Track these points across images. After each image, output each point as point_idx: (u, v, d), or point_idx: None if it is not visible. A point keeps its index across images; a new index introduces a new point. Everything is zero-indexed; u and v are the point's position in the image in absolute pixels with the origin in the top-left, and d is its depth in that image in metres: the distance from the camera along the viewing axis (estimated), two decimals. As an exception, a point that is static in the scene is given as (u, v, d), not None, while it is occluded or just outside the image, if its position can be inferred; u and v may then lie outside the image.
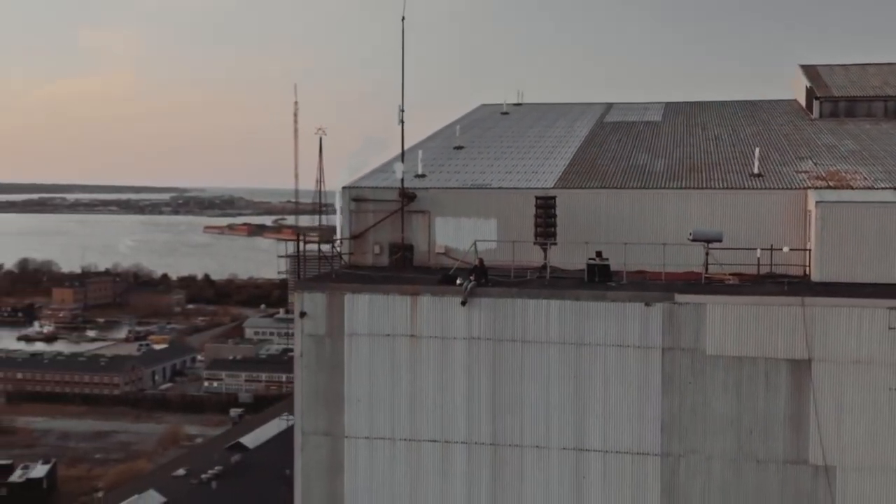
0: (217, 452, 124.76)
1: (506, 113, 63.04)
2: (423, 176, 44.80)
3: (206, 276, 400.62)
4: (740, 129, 54.55)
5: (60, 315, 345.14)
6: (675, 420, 34.88)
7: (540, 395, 35.89)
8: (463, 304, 36.04)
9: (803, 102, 61.02)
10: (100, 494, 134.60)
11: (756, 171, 42.73)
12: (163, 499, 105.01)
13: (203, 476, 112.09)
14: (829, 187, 40.06)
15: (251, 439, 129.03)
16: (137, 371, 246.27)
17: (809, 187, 40.10)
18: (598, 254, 37.60)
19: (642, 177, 43.73)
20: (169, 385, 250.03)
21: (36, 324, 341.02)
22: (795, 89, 64.62)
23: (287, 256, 38.10)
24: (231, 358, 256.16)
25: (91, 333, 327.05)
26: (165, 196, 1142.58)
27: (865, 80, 60.26)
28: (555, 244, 38.78)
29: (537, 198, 39.04)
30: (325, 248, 41.63)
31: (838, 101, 57.39)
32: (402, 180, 42.25)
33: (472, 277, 36.57)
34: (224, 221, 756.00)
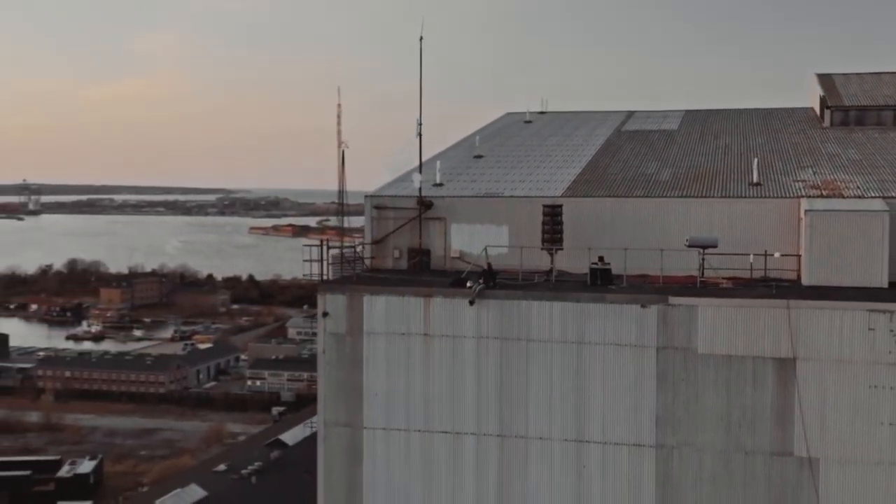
0: (257, 449, 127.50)
1: (529, 121, 65.40)
2: (440, 185, 47.49)
3: (251, 277, 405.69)
4: (751, 137, 56.56)
5: (108, 315, 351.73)
6: (668, 414, 37.40)
7: (543, 390, 38.59)
8: (471, 304, 38.76)
9: (818, 111, 62.77)
10: (145, 489, 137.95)
11: (755, 180, 44.95)
12: (204, 493, 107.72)
13: (243, 471, 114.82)
14: (821, 196, 42.23)
15: (290, 436, 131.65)
16: (182, 370, 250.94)
17: (803, 196, 42.29)
18: (601, 258, 40.11)
19: (647, 185, 46.11)
20: (213, 384, 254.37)
21: (84, 323, 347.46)
22: (813, 98, 66.39)
23: (311, 260, 40.84)
24: (274, 357, 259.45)
25: (137, 333, 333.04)
26: (212, 197, 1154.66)
27: (878, 90, 61.81)
28: (561, 249, 41.34)
29: (545, 206, 41.67)
30: (348, 252, 44.35)
31: (848, 110, 58.98)
32: (420, 189, 45.01)
33: (480, 280, 39.28)
34: (269, 222, 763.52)
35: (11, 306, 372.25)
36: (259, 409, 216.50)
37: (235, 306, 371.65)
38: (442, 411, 39.86)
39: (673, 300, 37.29)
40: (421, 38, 46.22)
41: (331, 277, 42.57)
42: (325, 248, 42.10)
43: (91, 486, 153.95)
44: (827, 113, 59.46)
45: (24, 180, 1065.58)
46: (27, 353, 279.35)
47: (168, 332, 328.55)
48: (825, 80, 64.59)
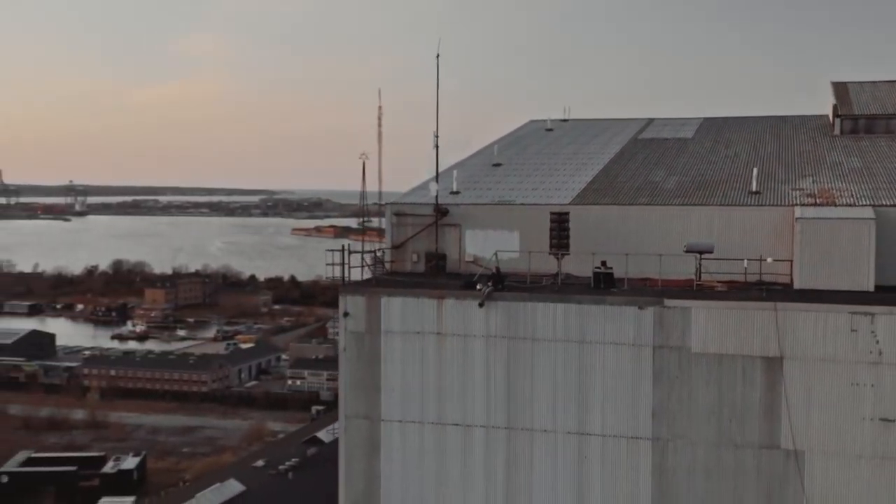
0: (294, 446, 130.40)
1: (550, 129, 67.83)
2: (457, 193, 50.25)
3: (293, 278, 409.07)
4: (761, 146, 58.65)
5: (152, 315, 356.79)
6: (664, 409, 40.05)
7: (547, 386, 41.44)
8: (480, 305, 41.56)
9: (831, 119, 64.50)
10: (186, 485, 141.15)
11: (754, 188, 47.27)
12: (243, 487, 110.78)
13: (280, 467, 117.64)
14: (815, 204, 44.50)
15: (327, 434, 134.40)
16: (224, 369, 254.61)
17: (797, 204, 44.57)
18: (604, 263, 42.70)
19: (652, 194, 48.55)
20: (254, 383, 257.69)
21: (129, 323, 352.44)
22: (829, 105, 68.01)
23: (334, 264, 43.78)
24: (314, 357, 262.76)
25: (181, 333, 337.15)
26: (255, 198, 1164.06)
27: (890, 98, 63.24)
28: (567, 254, 43.92)
29: (552, 213, 44.27)
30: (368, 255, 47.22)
31: (858, 118, 60.77)
32: (437, 198, 47.85)
33: (489, 283, 42.07)
34: (311, 223, 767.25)
35: (58, 306, 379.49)
36: (299, 408, 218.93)
37: (277, 307, 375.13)
38: (453, 405, 42.80)
39: (668, 302, 39.88)
40: (438, 56, 48.94)
41: (350, 279, 45.33)
42: (346, 252, 44.96)
43: (134, 482, 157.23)
44: (837, 121, 61.18)
45: (71, 182, 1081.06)
46: (73, 352, 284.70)
47: (211, 332, 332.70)
48: (839, 87, 66.11)
